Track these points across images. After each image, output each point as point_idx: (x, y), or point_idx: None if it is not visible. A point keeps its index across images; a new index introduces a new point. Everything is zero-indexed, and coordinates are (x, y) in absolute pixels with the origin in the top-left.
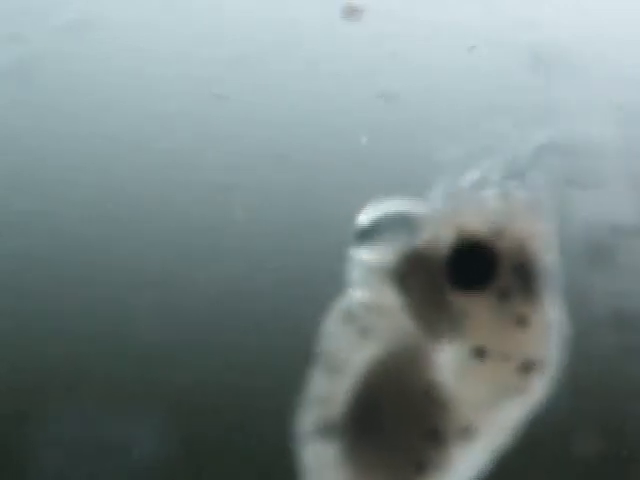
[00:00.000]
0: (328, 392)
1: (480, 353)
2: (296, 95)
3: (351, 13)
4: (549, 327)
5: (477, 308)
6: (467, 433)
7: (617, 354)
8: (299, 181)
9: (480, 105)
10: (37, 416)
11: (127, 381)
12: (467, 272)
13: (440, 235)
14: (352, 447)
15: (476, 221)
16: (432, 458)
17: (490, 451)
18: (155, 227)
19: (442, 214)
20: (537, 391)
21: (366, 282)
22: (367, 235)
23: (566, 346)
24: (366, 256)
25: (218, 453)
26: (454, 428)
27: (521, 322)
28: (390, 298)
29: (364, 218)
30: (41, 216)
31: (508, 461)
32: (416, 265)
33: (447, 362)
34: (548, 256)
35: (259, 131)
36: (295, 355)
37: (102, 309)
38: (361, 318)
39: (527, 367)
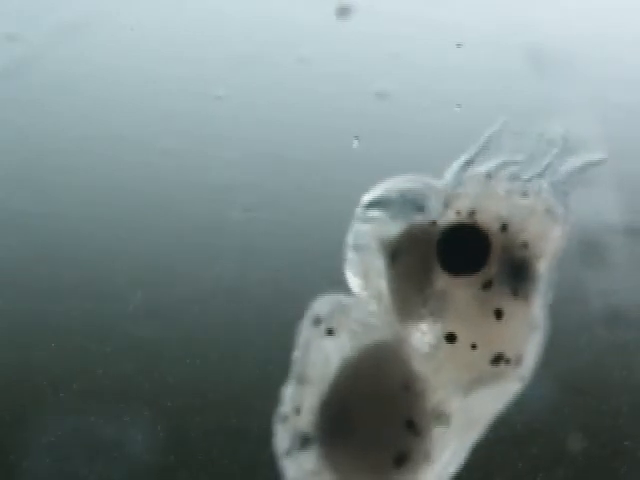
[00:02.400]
0: (302, 399)
1: (451, 339)
2: (293, 95)
3: (342, 12)
4: (528, 325)
5: (459, 293)
6: (442, 421)
7: (608, 350)
8: (297, 180)
9: (477, 105)
10: (30, 413)
11: (127, 380)
12: (457, 254)
13: (442, 215)
14: (331, 451)
15: (484, 208)
16: (411, 449)
17: (468, 442)
18: (153, 226)
19: (450, 195)
20: (511, 384)
21: (360, 257)
22: (370, 210)
23: (548, 345)
24: (365, 231)
25: (214, 452)
26: (429, 416)
27: (499, 315)
28: (377, 276)
29: (369, 195)
30: (40, 216)
31: (499, 457)
32: (411, 242)
33: (421, 347)
34: (548, 260)
35: (257, 131)
36: (291, 353)
37: (101, 307)
38: (329, 318)
39: (499, 359)
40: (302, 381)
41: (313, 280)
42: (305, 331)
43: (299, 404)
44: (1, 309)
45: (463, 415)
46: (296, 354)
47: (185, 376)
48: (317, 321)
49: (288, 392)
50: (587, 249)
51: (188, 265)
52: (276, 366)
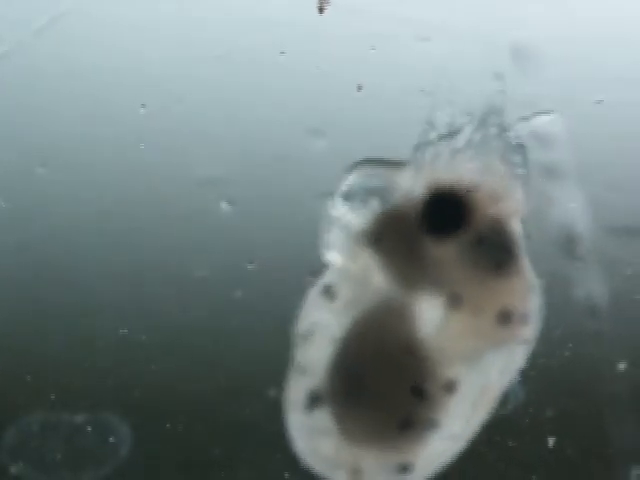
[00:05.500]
0: (310, 362)
1: (456, 301)
2: (275, 91)
3: (322, 8)
4: (527, 278)
5: (453, 253)
6: (450, 387)
7: (589, 344)
8: (281, 175)
9: (458, 100)
10: (29, 413)
11: (124, 379)
12: (441, 218)
13: (415, 189)
14: (339, 412)
15: (450, 175)
16: (416, 415)
17: (478, 413)
18: (146, 223)
19: (417, 170)
20: (518, 348)
21: (342, 245)
22: (344, 199)
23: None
24: (343, 218)
25: (214, 451)
26: (437, 383)
27: (499, 268)
28: (365, 259)
29: (342, 184)
30: (32, 214)
31: (480, 448)
32: (391, 220)
33: (425, 315)
34: (518, 216)
35: (247, 129)
36: (279, 336)
37: (97, 304)
38: (335, 286)
39: (506, 317)
40: (309, 342)
41: (301, 274)
42: (310, 296)
43: (307, 365)
44: (0, 308)
45: (472, 383)
46: (301, 316)
47: (178, 371)
48: (326, 289)
49: (297, 355)
50: (560, 245)
51: (180, 259)
52: (268, 357)
